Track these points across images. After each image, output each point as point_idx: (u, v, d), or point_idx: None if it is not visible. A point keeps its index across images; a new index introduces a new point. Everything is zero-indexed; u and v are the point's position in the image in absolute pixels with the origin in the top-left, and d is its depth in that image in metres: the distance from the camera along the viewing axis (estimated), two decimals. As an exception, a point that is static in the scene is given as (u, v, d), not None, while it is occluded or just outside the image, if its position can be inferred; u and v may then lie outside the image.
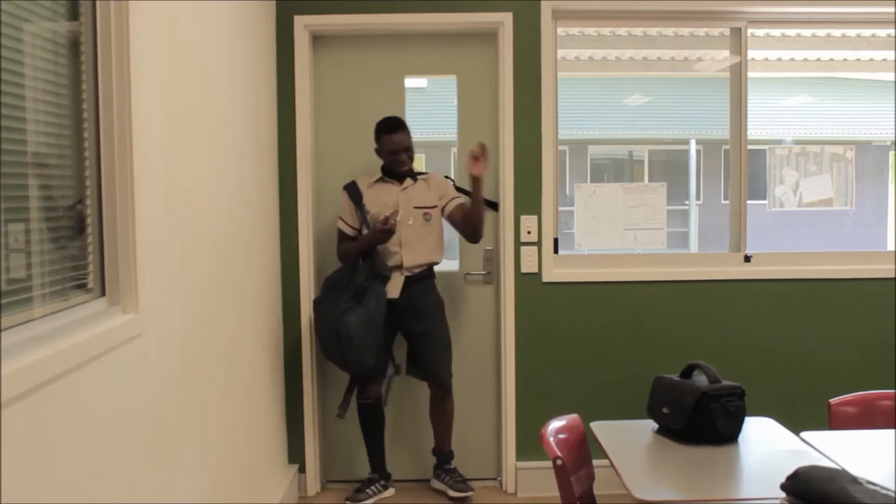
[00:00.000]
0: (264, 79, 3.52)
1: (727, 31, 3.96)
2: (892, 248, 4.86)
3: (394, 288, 3.55)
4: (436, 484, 3.82)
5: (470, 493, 3.70)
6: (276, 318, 3.72)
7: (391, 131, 3.57)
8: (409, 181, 3.62)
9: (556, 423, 2.43)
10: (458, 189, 3.77)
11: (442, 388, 3.68)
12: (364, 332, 3.37)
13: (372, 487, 3.72)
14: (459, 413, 3.87)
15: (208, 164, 2.67)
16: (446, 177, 3.78)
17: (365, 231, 3.58)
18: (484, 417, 3.96)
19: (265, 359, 3.48)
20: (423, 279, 3.61)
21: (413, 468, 3.96)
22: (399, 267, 3.57)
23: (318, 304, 3.53)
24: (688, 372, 2.65)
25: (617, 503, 2.42)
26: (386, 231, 3.43)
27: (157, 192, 2.17)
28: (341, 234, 3.64)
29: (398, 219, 3.51)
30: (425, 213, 3.59)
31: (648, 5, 3.78)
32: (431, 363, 3.63)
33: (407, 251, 3.56)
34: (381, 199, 3.59)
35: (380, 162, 3.69)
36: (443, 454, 3.78)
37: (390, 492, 3.79)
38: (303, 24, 3.71)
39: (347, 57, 3.86)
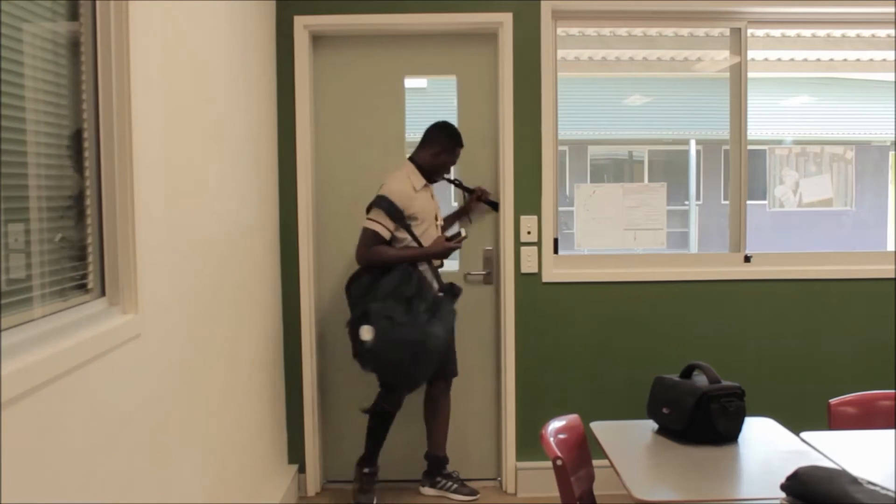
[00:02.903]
0: (264, 79, 3.52)
1: (727, 32, 3.95)
2: (892, 248, 4.86)
3: None
4: (429, 491, 3.75)
5: (478, 497, 3.69)
6: (276, 318, 3.72)
7: (461, 146, 3.58)
8: (431, 187, 3.62)
9: (556, 424, 2.43)
10: (462, 187, 3.80)
11: (446, 384, 3.68)
12: (445, 347, 3.42)
13: (374, 485, 3.63)
14: (459, 413, 3.87)
15: (208, 163, 2.67)
16: (454, 179, 3.78)
17: (400, 234, 3.43)
18: (484, 417, 3.95)
19: (265, 359, 3.48)
20: None
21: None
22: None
23: (382, 312, 3.28)
24: (688, 372, 2.65)
25: (617, 503, 2.42)
26: (452, 249, 3.48)
27: (156, 193, 2.17)
28: (377, 236, 3.39)
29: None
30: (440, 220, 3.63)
31: (648, 5, 3.78)
32: (444, 361, 3.61)
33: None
34: (426, 205, 3.52)
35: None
36: (437, 458, 3.72)
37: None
38: (303, 24, 3.71)
39: (347, 57, 3.86)
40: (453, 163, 3.61)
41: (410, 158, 3.58)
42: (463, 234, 3.51)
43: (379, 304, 3.30)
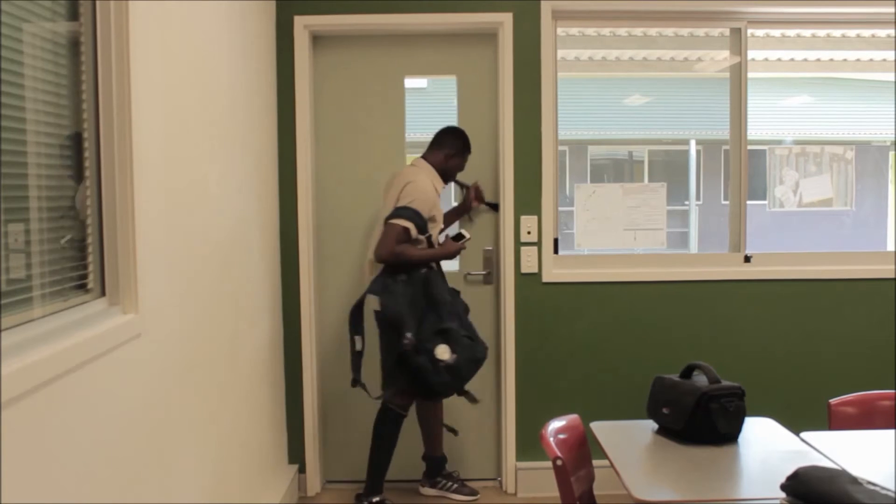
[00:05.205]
0: (264, 79, 3.52)
1: (727, 32, 3.95)
2: (892, 248, 4.86)
3: None
4: (429, 491, 3.76)
5: (478, 497, 3.70)
6: (277, 318, 3.72)
7: (470, 152, 3.61)
8: None
9: (556, 424, 2.43)
10: (458, 182, 3.79)
11: None
12: None
13: None
14: (459, 413, 3.87)
15: (208, 163, 2.67)
16: (457, 181, 3.78)
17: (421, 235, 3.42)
18: (484, 417, 3.95)
19: (265, 358, 3.48)
20: None
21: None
22: None
23: (460, 332, 3.35)
24: (688, 372, 2.65)
25: (617, 503, 2.42)
26: (461, 250, 3.51)
27: (157, 192, 2.17)
28: (406, 233, 3.35)
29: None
30: None
31: (648, 5, 3.78)
32: None
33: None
34: (440, 207, 3.55)
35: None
36: (434, 459, 3.73)
37: None
38: (303, 24, 3.71)
39: (347, 57, 3.86)
40: (462, 168, 3.62)
41: (424, 157, 3.56)
42: (467, 235, 3.54)
43: (454, 325, 3.35)
